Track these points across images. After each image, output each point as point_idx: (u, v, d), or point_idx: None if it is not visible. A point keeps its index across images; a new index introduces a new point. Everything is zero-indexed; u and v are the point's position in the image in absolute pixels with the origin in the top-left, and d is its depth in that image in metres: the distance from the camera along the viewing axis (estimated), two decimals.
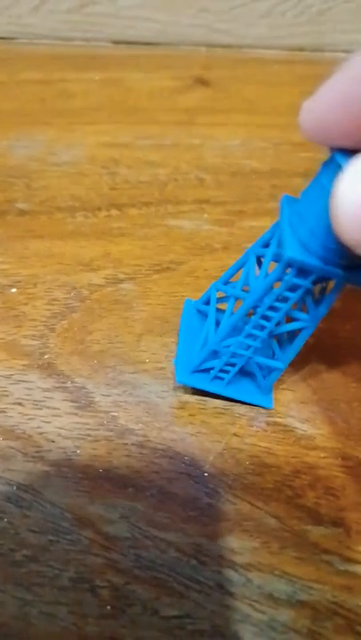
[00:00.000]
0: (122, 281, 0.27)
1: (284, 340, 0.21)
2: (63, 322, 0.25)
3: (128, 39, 0.47)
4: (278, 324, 0.20)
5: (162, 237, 0.30)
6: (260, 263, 0.20)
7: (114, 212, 0.31)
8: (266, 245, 0.20)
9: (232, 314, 0.21)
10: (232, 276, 0.22)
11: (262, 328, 0.20)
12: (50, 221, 0.31)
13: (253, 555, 0.18)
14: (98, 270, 0.28)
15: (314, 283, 0.18)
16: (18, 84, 0.42)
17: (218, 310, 0.23)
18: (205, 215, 0.31)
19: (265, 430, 0.22)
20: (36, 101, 0.41)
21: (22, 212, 0.31)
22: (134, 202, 0.32)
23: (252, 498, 0.20)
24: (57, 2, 0.45)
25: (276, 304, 0.19)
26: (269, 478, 0.20)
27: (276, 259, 0.19)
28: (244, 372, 0.22)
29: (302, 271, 0.18)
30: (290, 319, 0.20)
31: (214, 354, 0.21)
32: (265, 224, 0.30)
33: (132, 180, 0.34)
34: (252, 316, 0.20)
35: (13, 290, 0.27)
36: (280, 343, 0.21)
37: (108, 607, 0.17)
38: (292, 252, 0.17)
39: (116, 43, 0.47)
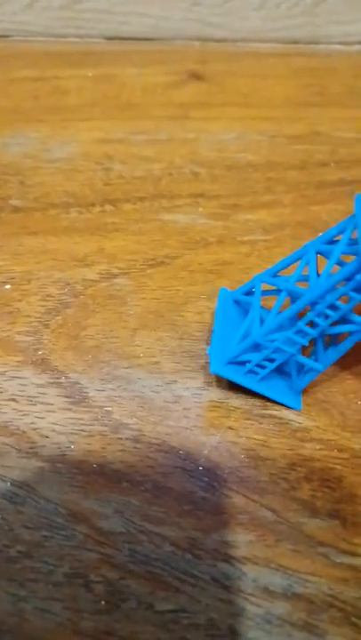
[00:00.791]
0: (116, 276, 0.27)
1: (330, 341, 0.21)
2: (57, 317, 0.25)
3: (121, 35, 0.47)
4: (333, 324, 0.19)
5: (156, 232, 0.30)
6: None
7: (108, 207, 0.31)
8: (330, 242, 0.20)
9: (282, 308, 0.20)
10: (282, 269, 0.21)
11: (315, 326, 0.19)
12: (44, 218, 0.31)
13: (249, 548, 0.18)
14: (92, 266, 0.28)
15: None
16: (11, 82, 0.42)
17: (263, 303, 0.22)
18: (200, 209, 0.31)
19: (260, 423, 0.21)
20: (29, 99, 0.41)
21: (16, 209, 0.31)
22: (128, 197, 0.32)
23: (248, 491, 0.20)
24: None
25: (338, 303, 0.18)
26: (265, 471, 0.20)
27: (350, 256, 0.18)
28: (279, 370, 0.21)
29: None
30: (344, 321, 0.19)
31: (255, 347, 0.20)
32: (260, 217, 0.30)
33: (127, 176, 0.33)
34: (308, 313, 0.19)
35: (7, 286, 0.27)
36: (325, 344, 0.21)
37: (103, 602, 0.17)
38: None
39: (110, 39, 0.47)
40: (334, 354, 0.20)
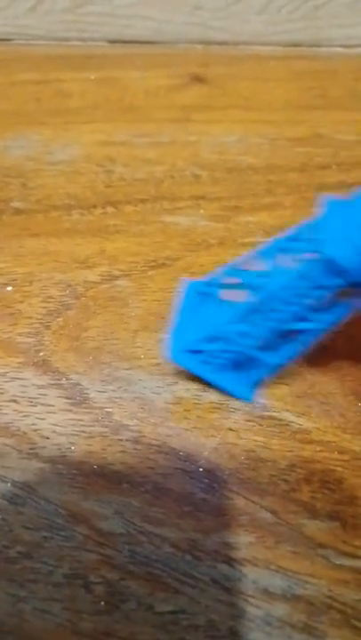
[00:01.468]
0: (117, 277, 0.27)
1: (288, 338, 0.21)
2: (58, 319, 0.25)
3: (124, 38, 0.47)
4: (291, 320, 0.20)
5: (158, 234, 0.30)
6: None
7: (109, 209, 0.31)
8: (294, 240, 0.20)
9: (243, 302, 0.21)
10: (245, 263, 0.21)
11: (272, 321, 0.20)
12: (45, 220, 0.31)
13: (249, 549, 0.18)
14: (93, 267, 0.28)
15: (341, 288, 0.18)
16: (14, 85, 0.43)
17: (224, 295, 0.22)
18: (201, 211, 0.31)
19: (261, 424, 0.21)
20: (32, 101, 0.41)
21: (18, 211, 0.31)
22: (130, 199, 0.32)
23: (248, 492, 0.20)
24: (53, 2, 0.45)
25: (296, 300, 0.19)
26: (265, 473, 0.20)
27: (311, 255, 0.19)
28: (234, 363, 0.22)
29: (335, 273, 0.18)
30: (301, 318, 0.20)
31: (213, 338, 0.21)
32: (261, 219, 0.30)
33: (128, 178, 0.34)
34: (268, 307, 0.19)
35: (9, 288, 0.27)
36: (283, 341, 0.21)
37: (103, 603, 0.17)
38: (335, 251, 0.17)
39: (112, 42, 0.47)
40: (290, 350, 0.21)
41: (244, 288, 0.21)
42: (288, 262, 0.19)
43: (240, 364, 0.22)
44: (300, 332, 0.20)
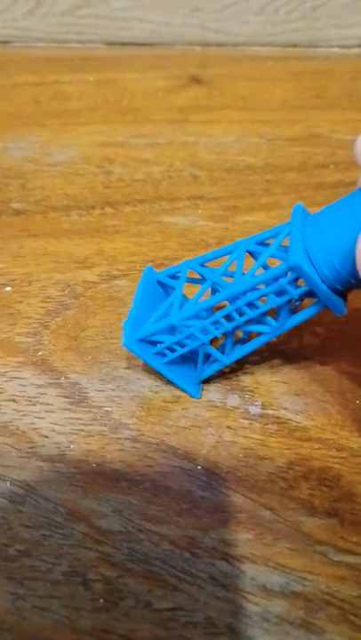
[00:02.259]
0: (116, 277, 0.27)
1: (240, 338, 0.21)
2: (57, 319, 0.26)
3: (122, 40, 0.47)
4: (248, 322, 0.20)
5: (156, 234, 0.30)
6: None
7: (108, 209, 0.32)
8: (261, 243, 0.20)
9: (202, 297, 0.21)
10: (210, 260, 0.22)
11: (231, 320, 0.20)
12: (45, 220, 0.31)
13: (247, 546, 0.18)
14: (92, 267, 0.28)
15: (300, 295, 0.19)
16: (13, 87, 0.43)
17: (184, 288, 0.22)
18: (200, 211, 0.31)
19: (259, 422, 0.21)
20: (31, 103, 0.41)
21: (17, 212, 0.32)
22: (128, 199, 0.32)
23: (246, 490, 0.20)
24: (51, 5, 0.45)
25: (257, 302, 0.19)
26: (263, 470, 0.20)
27: (278, 260, 0.19)
28: (185, 357, 0.22)
29: (297, 280, 0.18)
30: (258, 321, 0.20)
31: (170, 330, 0.21)
32: (259, 219, 0.31)
33: (127, 179, 0.34)
34: (227, 307, 0.20)
35: (8, 288, 0.27)
36: (234, 340, 0.21)
37: (101, 600, 0.17)
38: (300, 259, 0.17)
39: (111, 44, 0.47)
40: (241, 350, 0.21)
41: (206, 284, 0.21)
42: (254, 265, 0.19)
43: (191, 359, 0.22)
44: (253, 334, 0.21)
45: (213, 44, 0.47)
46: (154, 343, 0.21)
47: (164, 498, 0.20)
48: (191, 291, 0.23)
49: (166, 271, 0.23)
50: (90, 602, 0.17)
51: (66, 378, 0.23)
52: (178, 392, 0.22)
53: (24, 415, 0.22)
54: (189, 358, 0.22)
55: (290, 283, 0.18)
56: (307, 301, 0.20)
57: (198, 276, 0.22)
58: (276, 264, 0.19)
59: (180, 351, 0.21)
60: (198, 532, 0.19)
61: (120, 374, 0.23)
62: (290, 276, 0.18)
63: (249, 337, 0.21)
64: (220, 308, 0.20)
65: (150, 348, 0.21)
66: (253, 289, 0.19)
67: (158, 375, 0.23)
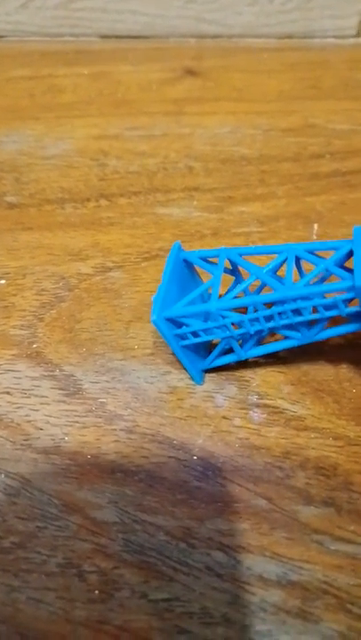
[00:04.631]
0: (110, 269, 0.27)
1: (264, 337, 0.21)
2: (52, 311, 0.25)
3: (116, 33, 0.47)
4: (285, 326, 0.20)
5: (151, 225, 0.30)
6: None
7: (103, 202, 0.31)
8: (312, 252, 0.20)
9: (249, 293, 0.21)
10: (249, 254, 0.21)
11: (270, 321, 0.20)
12: (39, 213, 0.31)
13: (243, 536, 0.18)
14: (87, 260, 0.28)
15: (348, 314, 0.19)
16: (7, 81, 0.42)
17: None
18: (195, 202, 0.31)
19: (255, 412, 0.21)
20: (25, 97, 0.41)
21: (11, 206, 0.31)
22: (123, 191, 0.32)
23: (242, 480, 0.19)
24: None
25: (303, 311, 0.19)
26: (259, 460, 0.20)
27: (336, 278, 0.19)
28: (198, 343, 0.22)
29: (351, 300, 0.18)
30: (293, 327, 0.20)
31: (204, 316, 0.20)
32: (255, 209, 0.30)
33: (122, 171, 0.33)
34: (273, 308, 0.19)
35: (2, 281, 0.27)
36: (257, 340, 0.21)
37: (97, 591, 0.17)
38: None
39: (105, 37, 0.47)
40: (261, 350, 0.21)
41: (249, 279, 0.20)
42: (309, 274, 0.19)
43: (201, 345, 0.22)
44: (278, 337, 0.21)
45: (208, 36, 0.46)
46: (179, 324, 0.21)
47: (160, 488, 0.19)
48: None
49: (198, 252, 0.22)
50: (85, 593, 0.17)
51: (60, 370, 0.23)
52: (173, 383, 0.22)
53: (18, 407, 0.22)
54: (200, 345, 0.22)
55: (344, 301, 0.18)
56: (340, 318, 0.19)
57: (229, 266, 0.22)
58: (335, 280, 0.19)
59: (204, 338, 0.20)
60: (194, 523, 0.19)
61: (115, 366, 0.23)
62: (347, 295, 0.18)
63: (273, 338, 0.21)
64: (262, 307, 0.20)
65: (174, 328, 0.20)
66: (306, 298, 0.19)
67: (153, 366, 0.23)
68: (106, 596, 0.17)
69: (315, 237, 0.28)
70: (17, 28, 0.47)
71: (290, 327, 0.20)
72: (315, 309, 0.19)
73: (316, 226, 0.29)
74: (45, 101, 0.40)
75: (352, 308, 0.19)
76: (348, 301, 0.19)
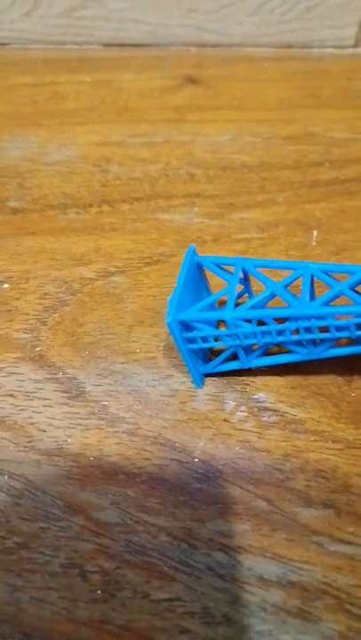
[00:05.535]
0: (113, 274, 0.28)
1: (267, 350, 0.22)
2: (55, 315, 0.26)
3: (119, 41, 0.47)
4: (289, 343, 0.20)
5: (153, 231, 0.30)
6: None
7: (105, 207, 0.32)
8: (327, 272, 0.21)
9: (265, 305, 0.21)
10: (263, 267, 0.22)
11: (281, 334, 0.20)
12: (42, 219, 0.31)
13: (244, 537, 0.18)
14: (89, 264, 0.28)
15: (357, 337, 0.19)
16: (10, 89, 0.43)
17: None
18: (196, 208, 0.31)
19: (255, 415, 0.22)
20: (28, 104, 0.41)
21: (15, 211, 0.32)
22: (125, 197, 0.32)
23: (243, 482, 0.20)
24: (48, 7, 0.46)
25: (315, 329, 0.19)
26: (259, 462, 0.20)
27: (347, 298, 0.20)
28: (202, 348, 0.22)
29: None
30: (299, 343, 0.20)
31: (217, 322, 0.21)
32: (255, 216, 0.31)
33: (124, 177, 0.34)
34: (287, 323, 0.20)
35: (5, 285, 0.27)
36: (263, 351, 0.21)
37: (99, 592, 0.18)
38: None
39: (107, 45, 0.48)
40: (265, 361, 0.21)
41: (265, 292, 0.21)
42: (326, 294, 0.20)
43: (206, 351, 0.23)
44: (283, 351, 0.21)
45: (209, 45, 0.47)
46: (190, 328, 0.21)
47: (162, 490, 0.20)
48: (218, 283, 0.23)
49: (213, 258, 0.22)
50: (87, 593, 0.17)
51: (63, 373, 0.23)
52: (175, 386, 0.23)
53: (22, 410, 0.22)
54: (201, 349, 0.22)
55: (356, 325, 0.19)
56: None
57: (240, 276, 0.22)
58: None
59: (212, 344, 0.21)
60: (195, 524, 0.19)
61: (117, 369, 0.23)
62: (360, 319, 0.19)
63: (278, 349, 0.22)
64: (269, 321, 0.20)
65: (185, 331, 0.21)
66: (320, 317, 0.19)
67: (155, 370, 0.23)
68: (108, 595, 0.17)
69: (314, 244, 0.29)
70: (20, 35, 0.47)
71: (298, 343, 0.20)
72: (326, 329, 0.20)
73: (315, 232, 0.29)
74: (48, 108, 0.41)
75: None
76: (360, 325, 0.19)
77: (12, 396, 0.23)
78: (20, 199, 0.32)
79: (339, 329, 0.19)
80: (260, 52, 0.46)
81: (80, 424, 0.22)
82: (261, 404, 0.22)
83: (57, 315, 0.26)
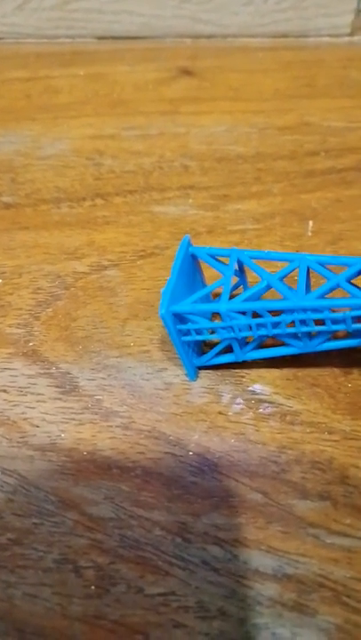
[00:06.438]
0: (106, 268, 0.27)
1: (260, 342, 0.21)
2: (48, 310, 0.25)
3: (112, 34, 0.47)
4: (290, 333, 0.20)
5: (147, 224, 0.30)
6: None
7: (98, 201, 0.31)
8: (323, 265, 0.20)
9: (260, 298, 0.21)
10: (259, 259, 0.21)
11: (276, 327, 0.20)
12: (35, 213, 0.31)
13: (239, 530, 0.18)
14: (82, 258, 0.28)
15: (354, 330, 0.19)
16: (3, 83, 0.43)
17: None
18: (190, 200, 0.31)
19: (250, 407, 0.21)
20: (21, 98, 0.41)
21: (7, 206, 0.32)
22: (119, 191, 0.32)
23: (238, 474, 0.19)
24: (40, 0, 0.45)
25: (311, 322, 0.19)
26: (255, 455, 0.20)
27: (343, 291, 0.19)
28: (196, 340, 0.22)
29: (359, 317, 0.19)
30: (294, 336, 0.20)
31: (212, 315, 0.20)
32: (250, 207, 0.30)
33: (117, 170, 0.34)
34: (282, 315, 0.19)
35: None
36: (257, 343, 0.21)
37: (93, 587, 0.17)
38: None
39: (101, 38, 0.47)
40: (260, 354, 0.21)
41: (260, 284, 0.20)
42: (322, 287, 0.19)
43: (200, 344, 0.22)
44: (276, 342, 0.21)
45: (203, 36, 0.46)
46: (185, 320, 0.20)
47: (156, 484, 0.19)
48: (213, 274, 0.23)
49: (208, 249, 0.22)
50: (81, 588, 0.17)
51: (57, 368, 0.23)
52: (169, 379, 0.22)
53: (15, 405, 0.22)
54: (195, 342, 0.22)
55: (353, 318, 0.19)
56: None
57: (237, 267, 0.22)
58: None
59: (207, 337, 0.21)
60: (190, 518, 0.19)
61: (111, 363, 0.23)
62: (356, 312, 0.18)
63: (273, 342, 0.21)
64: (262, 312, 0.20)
65: (178, 323, 0.20)
66: (317, 310, 0.19)
67: (149, 363, 0.23)
68: (102, 591, 0.17)
69: (310, 234, 0.28)
70: (13, 29, 0.47)
71: (293, 335, 0.20)
72: (322, 321, 0.19)
73: (311, 223, 0.29)
74: (42, 102, 0.40)
75: (359, 325, 0.19)
76: (357, 318, 0.19)
77: (4, 391, 0.22)
78: (13, 194, 0.32)
79: (335, 322, 0.19)
80: (255, 42, 0.46)
81: (73, 419, 0.21)
82: (257, 396, 0.22)
83: (50, 309, 0.25)
